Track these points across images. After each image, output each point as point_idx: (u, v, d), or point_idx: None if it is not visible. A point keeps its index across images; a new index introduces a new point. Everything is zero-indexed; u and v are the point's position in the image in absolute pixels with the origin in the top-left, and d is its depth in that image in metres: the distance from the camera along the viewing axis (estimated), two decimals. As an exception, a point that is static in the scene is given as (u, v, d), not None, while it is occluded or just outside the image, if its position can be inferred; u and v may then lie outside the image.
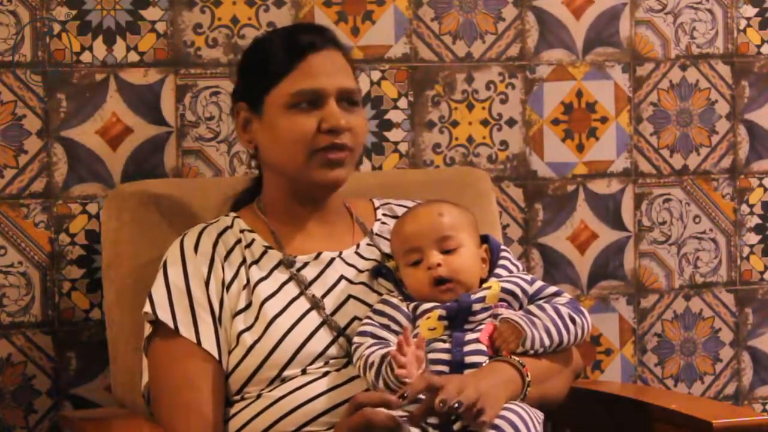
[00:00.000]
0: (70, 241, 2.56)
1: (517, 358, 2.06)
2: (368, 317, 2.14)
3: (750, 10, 2.97)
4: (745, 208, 2.98)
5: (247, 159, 2.38)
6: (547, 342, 2.10)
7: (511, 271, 2.19)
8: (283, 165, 2.19)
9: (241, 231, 2.23)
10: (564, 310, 2.13)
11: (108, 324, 2.38)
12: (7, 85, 2.53)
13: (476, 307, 2.10)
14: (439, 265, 2.11)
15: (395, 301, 2.15)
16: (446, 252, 2.12)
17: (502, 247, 2.23)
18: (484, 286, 2.14)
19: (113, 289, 2.37)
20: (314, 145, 2.15)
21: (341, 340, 2.15)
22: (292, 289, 2.18)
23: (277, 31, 2.33)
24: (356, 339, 2.11)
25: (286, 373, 2.12)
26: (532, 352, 2.09)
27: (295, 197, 2.23)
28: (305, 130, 2.15)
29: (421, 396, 1.95)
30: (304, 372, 2.12)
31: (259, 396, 2.12)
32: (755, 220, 3.00)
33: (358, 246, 2.26)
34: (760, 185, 2.99)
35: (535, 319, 2.10)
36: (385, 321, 2.13)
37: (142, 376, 2.22)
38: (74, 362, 2.56)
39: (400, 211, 2.33)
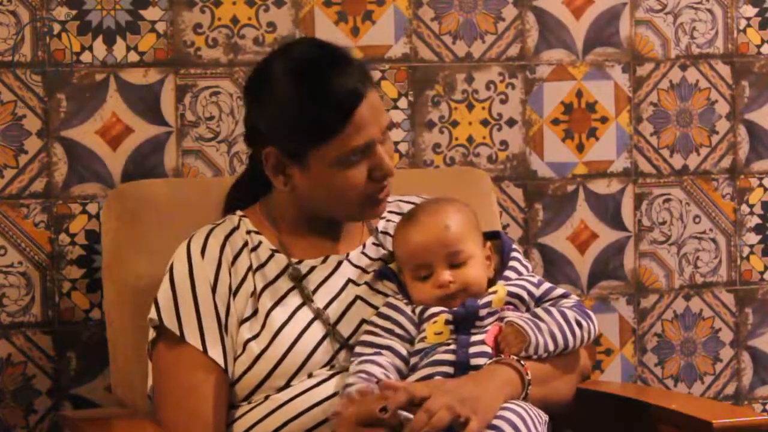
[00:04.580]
0: (70, 241, 2.56)
1: (516, 358, 2.06)
2: (372, 321, 2.13)
3: (750, 10, 2.97)
4: (745, 208, 2.98)
5: (247, 162, 2.33)
6: (551, 347, 2.09)
7: (520, 273, 2.18)
8: (328, 209, 2.17)
9: (248, 232, 2.21)
10: (570, 314, 2.12)
11: (108, 324, 2.38)
12: (7, 85, 2.53)
13: (483, 312, 2.09)
14: (450, 282, 2.10)
15: (400, 304, 2.14)
16: (455, 266, 2.11)
17: (514, 246, 2.21)
18: (491, 290, 2.12)
19: (113, 289, 2.37)
20: (367, 192, 2.14)
21: (345, 351, 2.13)
22: (297, 296, 2.16)
23: (301, 69, 2.11)
24: (357, 349, 2.10)
25: (293, 383, 2.11)
26: (535, 357, 2.08)
27: (318, 217, 2.21)
28: (359, 183, 2.12)
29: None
30: (310, 375, 2.11)
31: (266, 398, 2.12)
32: (755, 220, 2.99)
33: (364, 246, 2.25)
34: (760, 185, 2.99)
35: (540, 324, 2.09)
36: (388, 325, 2.12)
37: (147, 378, 2.19)
38: (74, 362, 2.56)
39: (407, 207, 2.30)
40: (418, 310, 2.11)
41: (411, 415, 1.93)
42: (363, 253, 2.24)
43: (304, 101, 2.09)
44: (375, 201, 2.16)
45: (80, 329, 2.56)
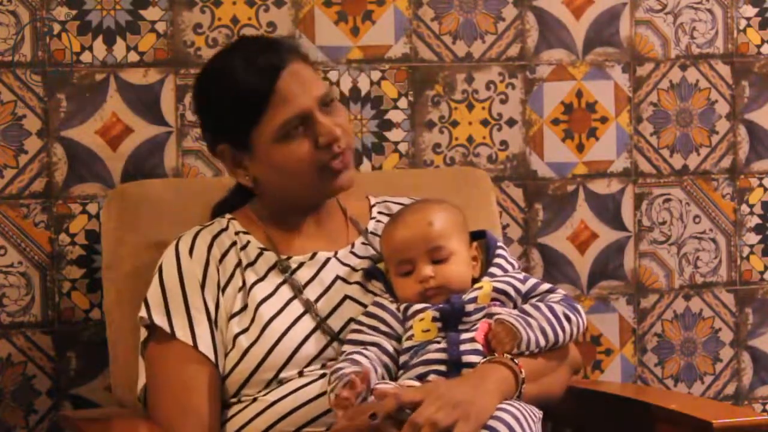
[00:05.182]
0: (70, 241, 2.56)
1: (509, 356, 2.06)
2: (359, 320, 2.15)
3: (750, 10, 2.97)
4: (745, 208, 2.98)
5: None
6: (542, 342, 2.10)
7: (506, 270, 2.18)
8: (290, 191, 2.19)
9: (236, 233, 2.22)
10: (559, 309, 2.13)
11: (108, 324, 2.38)
12: (7, 85, 2.53)
13: (469, 308, 2.10)
14: (431, 277, 2.11)
15: (385, 302, 2.15)
16: (437, 261, 2.12)
17: (499, 243, 2.22)
18: (476, 286, 2.13)
19: (113, 289, 2.37)
20: (318, 163, 2.15)
21: (335, 343, 2.14)
22: (287, 291, 2.18)
23: (227, 59, 2.19)
24: (345, 347, 2.12)
25: (282, 375, 2.12)
26: (527, 353, 2.08)
27: (293, 207, 2.23)
28: (305, 154, 2.14)
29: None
30: (300, 374, 2.12)
31: (255, 399, 2.12)
32: (755, 220, 3.00)
33: (352, 246, 2.26)
34: (760, 185, 2.99)
35: (530, 320, 2.09)
36: (374, 323, 2.13)
37: (138, 378, 2.21)
38: (74, 362, 2.56)
39: (396, 208, 2.32)
40: (402, 307, 2.13)
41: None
42: (352, 252, 2.25)
43: (229, 85, 2.15)
44: (331, 171, 2.16)
45: (80, 329, 2.56)
